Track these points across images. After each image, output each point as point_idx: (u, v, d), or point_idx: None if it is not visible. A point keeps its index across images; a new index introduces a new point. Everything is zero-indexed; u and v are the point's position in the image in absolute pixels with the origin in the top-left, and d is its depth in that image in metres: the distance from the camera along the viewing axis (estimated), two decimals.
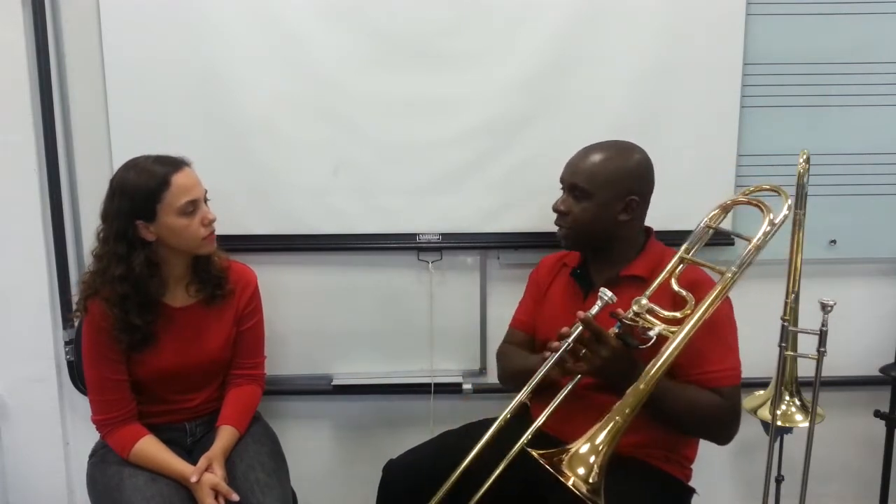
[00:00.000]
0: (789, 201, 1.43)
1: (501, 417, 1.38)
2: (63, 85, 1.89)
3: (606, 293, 1.36)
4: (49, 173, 1.89)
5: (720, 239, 1.71)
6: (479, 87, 1.87)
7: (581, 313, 1.33)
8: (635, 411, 1.23)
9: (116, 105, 1.87)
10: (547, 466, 1.18)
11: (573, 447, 1.20)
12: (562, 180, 1.56)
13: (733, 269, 1.36)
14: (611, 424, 1.21)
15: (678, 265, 1.45)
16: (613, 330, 1.35)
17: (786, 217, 1.41)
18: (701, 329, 1.32)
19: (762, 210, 1.42)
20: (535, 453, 1.21)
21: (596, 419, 1.34)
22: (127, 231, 1.47)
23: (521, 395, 1.37)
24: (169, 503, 1.45)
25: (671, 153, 1.87)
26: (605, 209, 1.49)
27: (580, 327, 1.33)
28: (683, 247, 1.48)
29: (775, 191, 1.47)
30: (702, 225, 1.51)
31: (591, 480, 1.16)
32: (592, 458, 1.18)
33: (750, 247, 1.38)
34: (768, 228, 1.38)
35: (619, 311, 1.36)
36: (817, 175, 1.88)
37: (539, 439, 1.35)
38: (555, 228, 1.57)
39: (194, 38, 1.84)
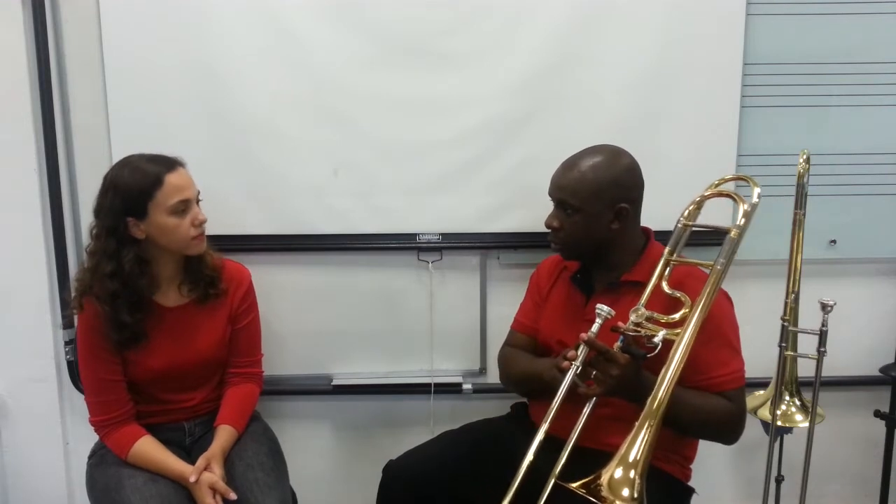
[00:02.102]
0: (758, 189, 1.43)
1: (531, 452, 1.32)
2: (63, 85, 1.89)
3: (604, 309, 1.35)
4: (49, 173, 1.89)
5: (720, 239, 1.71)
6: (479, 87, 1.87)
7: (583, 335, 1.32)
8: (660, 420, 1.22)
9: (116, 105, 1.87)
10: (589, 498, 1.16)
11: (606, 472, 1.18)
12: (550, 195, 1.54)
13: (721, 261, 1.36)
14: (640, 438, 1.20)
15: (665, 268, 1.45)
16: (617, 344, 1.34)
17: (756, 205, 1.41)
18: (704, 333, 1.32)
19: (735, 200, 1.43)
20: (573, 487, 1.19)
21: (598, 418, 1.35)
22: (118, 227, 1.47)
23: (541, 435, 1.34)
24: (168, 503, 1.45)
25: (671, 153, 1.88)
26: (595, 221, 1.47)
27: (584, 349, 1.32)
28: (667, 249, 1.47)
29: (744, 180, 1.48)
30: (679, 224, 1.50)
31: (635, 496, 1.16)
32: (632, 474, 1.17)
33: (730, 236, 1.38)
34: (743, 218, 1.39)
35: (620, 324, 1.35)
36: (817, 175, 1.87)
37: (545, 442, 1.35)
38: None
39: (194, 38, 1.84)
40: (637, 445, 1.19)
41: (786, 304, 1.55)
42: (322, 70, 1.86)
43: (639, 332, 1.35)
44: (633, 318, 1.37)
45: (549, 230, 1.54)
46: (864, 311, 2.05)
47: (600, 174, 1.46)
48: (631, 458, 1.18)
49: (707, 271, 1.38)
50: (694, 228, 1.50)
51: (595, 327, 1.34)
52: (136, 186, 1.46)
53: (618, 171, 1.48)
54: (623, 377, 1.29)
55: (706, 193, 1.51)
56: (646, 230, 1.57)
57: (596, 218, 1.47)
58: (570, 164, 1.51)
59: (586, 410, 1.34)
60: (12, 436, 2.02)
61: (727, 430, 1.44)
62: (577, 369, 1.33)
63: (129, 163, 1.49)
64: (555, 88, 1.88)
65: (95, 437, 1.60)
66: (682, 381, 1.33)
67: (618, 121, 1.87)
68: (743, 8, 1.86)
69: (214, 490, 1.46)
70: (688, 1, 1.85)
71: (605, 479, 1.17)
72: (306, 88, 1.87)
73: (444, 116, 1.89)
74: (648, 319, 1.37)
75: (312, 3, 1.83)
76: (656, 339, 1.31)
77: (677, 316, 1.36)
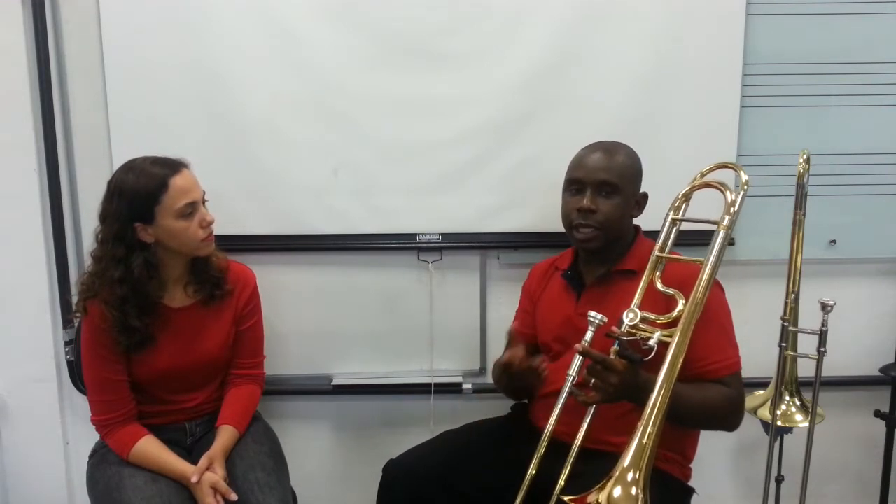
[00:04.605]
0: (744, 177, 1.43)
1: (533, 465, 1.33)
2: (63, 85, 1.89)
3: (596, 316, 1.34)
4: (49, 173, 1.89)
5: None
6: (478, 87, 1.87)
7: (578, 346, 1.31)
8: (659, 427, 1.21)
9: (116, 105, 1.86)
10: None
11: (605, 490, 1.15)
12: (580, 180, 1.52)
13: (711, 258, 1.35)
14: (640, 451, 1.17)
15: (657, 265, 1.45)
16: (614, 348, 1.34)
17: (743, 194, 1.40)
18: (700, 321, 1.31)
19: (722, 191, 1.42)
20: (572, 500, 1.19)
21: (595, 418, 1.34)
22: (125, 233, 1.46)
23: (541, 450, 1.34)
24: (168, 503, 1.45)
25: (671, 153, 1.88)
26: (627, 204, 1.51)
27: (579, 359, 1.32)
28: (657, 246, 1.46)
29: (732, 168, 1.48)
30: (668, 220, 1.49)
31: None
32: (634, 490, 1.14)
33: (719, 229, 1.37)
34: (730, 208, 1.39)
35: (615, 329, 1.34)
36: (817, 175, 1.87)
37: (537, 440, 1.36)
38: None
39: (194, 38, 1.84)
40: (638, 463, 1.16)
41: (786, 304, 1.55)
42: (322, 70, 1.86)
43: (634, 334, 1.35)
44: (626, 321, 1.36)
45: (585, 213, 1.49)
46: (864, 311, 2.05)
47: (633, 161, 1.54)
48: (629, 478, 1.15)
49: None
50: (688, 226, 1.49)
51: (588, 336, 1.34)
52: (143, 191, 1.45)
53: (639, 161, 1.55)
54: (622, 384, 1.29)
55: (693, 185, 1.51)
56: (635, 226, 1.59)
57: (627, 201, 1.52)
58: (606, 148, 1.53)
59: (587, 418, 1.34)
60: (12, 436, 2.02)
61: (728, 417, 1.44)
62: (573, 380, 1.33)
63: (133, 167, 1.48)
64: (555, 88, 1.88)
65: (96, 437, 1.60)
66: (681, 369, 1.32)
67: (618, 121, 1.86)
68: (743, 8, 1.86)
69: (216, 490, 1.46)
70: (688, 1, 1.85)
71: (603, 497, 1.14)
72: (306, 88, 1.87)
73: (443, 116, 1.89)
74: (643, 321, 1.36)
75: (312, 3, 1.83)
76: (651, 342, 1.31)
77: (674, 313, 1.36)
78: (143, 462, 1.52)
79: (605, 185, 1.49)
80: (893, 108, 1.94)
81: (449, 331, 2.02)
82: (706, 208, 1.48)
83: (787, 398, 1.65)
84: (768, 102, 1.93)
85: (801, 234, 1.59)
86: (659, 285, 1.42)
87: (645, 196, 1.55)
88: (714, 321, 1.42)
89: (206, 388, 1.66)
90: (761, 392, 1.73)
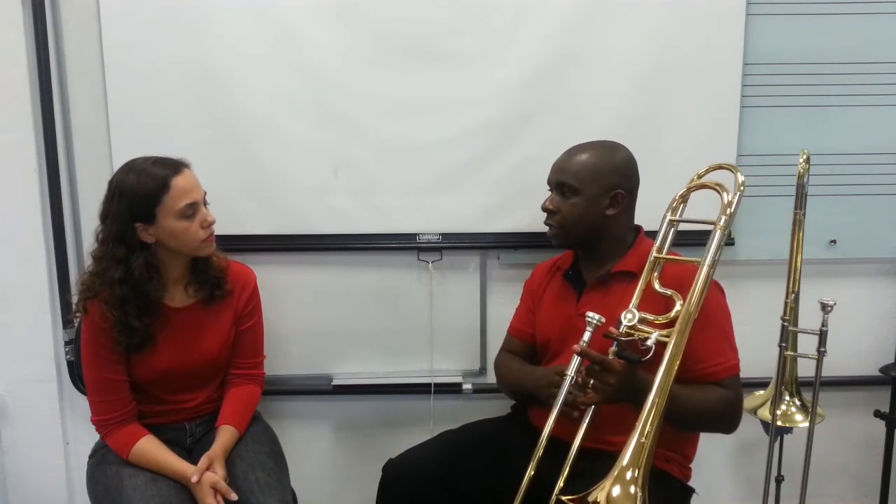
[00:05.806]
0: (741, 178, 1.43)
1: (532, 465, 1.34)
2: (63, 85, 1.89)
3: (594, 317, 1.35)
4: (49, 173, 1.89)
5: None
6: (479, 87, 1.87)
7: (576, 346, 1.32)
8: (658, 426, 1.20)
9: (116, 105, 1.87)
10: None
11: (604, 490, 1.14)
12: (549, 182, 1.58)
13: (708, 258, 1.35)
14: (639, 450, 1.17)
15: (654, 266, 1.45)
16: (612, 349, 1.34)
17: (739, 195, 1.40)
18: (699, 323, 1.31)
19: (719, 192, 1.42)
20: (568, 499, 1.19)
21: (595, 418, 1.34)
22: (126, 233, 1.46)
23: (540, 451, 1.35)
24: (168, 503, 1.45)
25: (671, 153, 1.88)
26: (592, 204, 1.50)
27: (577, 360, 1.33)
28: (655, 246, 1.46)
29: (728, 169, 1.47)
30: (666, 220, 1.49)
31: None
32: (633, 489, 1.14)
33: (716, 229, 1.37)
34: (727, 209, 1.38)
35: (612, 329, 1.34)
36: (817, 175, 1.87)
37: (536, 440, 1.36)
38: None
39: (195, 38, 1.84)
40: (636, 463, 1.16)
41: (786, 304, 1.55)
42: (322, 70, 1.86)
43: (632, 334, 1.35)
44: (625, 322, 1.36)
45: (546, 213, 1.56)
46: (864, 311, 2.06)
47: (599, 160, 1.52)
48: (627, 476, 1.15)
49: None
50: (687, 226, 1.49)
51: (586, 336, 1.34)
52: (143, 192, 1.45)
53: (616, 159, 1.53)
54: (621, 384, 1.29)
55: (690, 186, 1.51)
56: (637, 227, 1.59)
57: (592, 201, 1.50)
58: (572, 150, 1.56)
59: (586, 419, 1.34)
60: (12, 436, 2.02)
61: (726, 420, 1.44)
62: (571, 381, 1.33)
63: (134, 167, 1.48)
64: (555, 88, 1.88)
65: (96, 437, 1.60)
66: (680, 371, 1.32)
67: (618, 121, 1.87)
68: (743, 8, 1.86)
69: (216, 490, 1.46)
70: (688, 1, 1.85)
71: (602, 496, 1.14)
72: (306, 88, 1.87)
73: (443, 116, 1.89)
74: (641, 321, 1.36)
75: (312, 3, 1.83)
76: (649, 343, 1.31)
77: (672, 314, 1.36)
78: (142, 462, 1.51)
79: (562, 185, 1.53)
80: (893, 108, 1.94)
81: (449, 331, 2.03)
82: (706, 208, 1.48)
83: (787, 398, 1.65)
84: (768, 102, 1.93)
85: (801, 234, 1.59)
86: (657, 286, 1.42)
87: (621, 194, 1.50)
88: (713, 323, 1.42)
89: (206, 388, 1.66)
90: (761, 392, 1.73)
